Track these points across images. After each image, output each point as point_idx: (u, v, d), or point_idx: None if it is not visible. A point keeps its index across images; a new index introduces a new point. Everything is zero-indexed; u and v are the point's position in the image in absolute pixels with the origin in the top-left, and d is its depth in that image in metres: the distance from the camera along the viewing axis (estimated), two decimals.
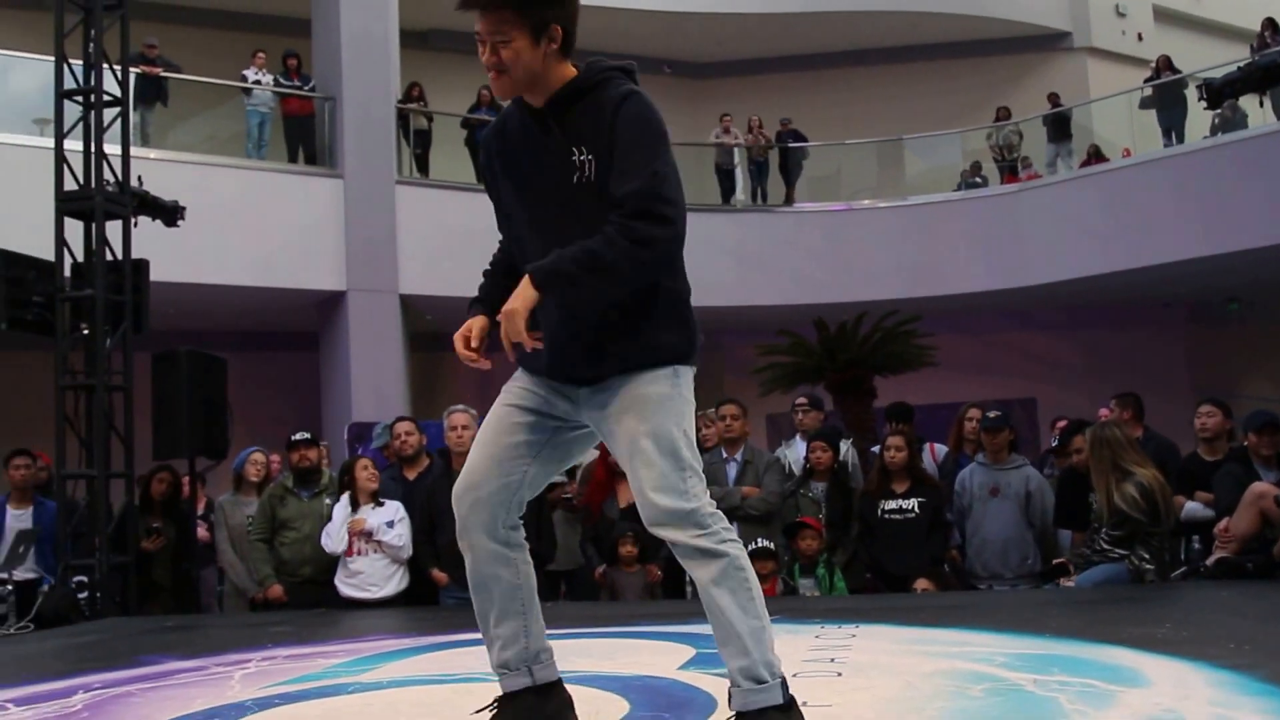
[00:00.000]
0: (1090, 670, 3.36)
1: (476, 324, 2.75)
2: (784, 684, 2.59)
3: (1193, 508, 6.24)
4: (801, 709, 2.63)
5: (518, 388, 2.80)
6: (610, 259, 2.54)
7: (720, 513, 2.66)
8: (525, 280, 2.57)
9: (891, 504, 6.42)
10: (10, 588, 6.43)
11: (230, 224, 11.79)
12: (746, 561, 2.62)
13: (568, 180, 2.66)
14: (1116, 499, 5.75)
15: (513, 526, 2.77)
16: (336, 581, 6.54)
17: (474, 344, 2.73)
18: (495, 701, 2.81)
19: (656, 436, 2.60)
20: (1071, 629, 4.22)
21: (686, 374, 2.72)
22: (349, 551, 6.49)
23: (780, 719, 2.56)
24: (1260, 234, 12.90)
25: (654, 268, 2.62)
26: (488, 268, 2.94)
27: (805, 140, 17.15)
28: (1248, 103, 13.23)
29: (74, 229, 7.73)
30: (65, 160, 7.74)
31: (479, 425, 2.94)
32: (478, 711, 2.83)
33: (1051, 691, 3.05)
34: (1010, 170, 16.49)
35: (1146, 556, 5.78)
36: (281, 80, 13.72)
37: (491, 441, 2.76)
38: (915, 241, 15.91)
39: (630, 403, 2.64)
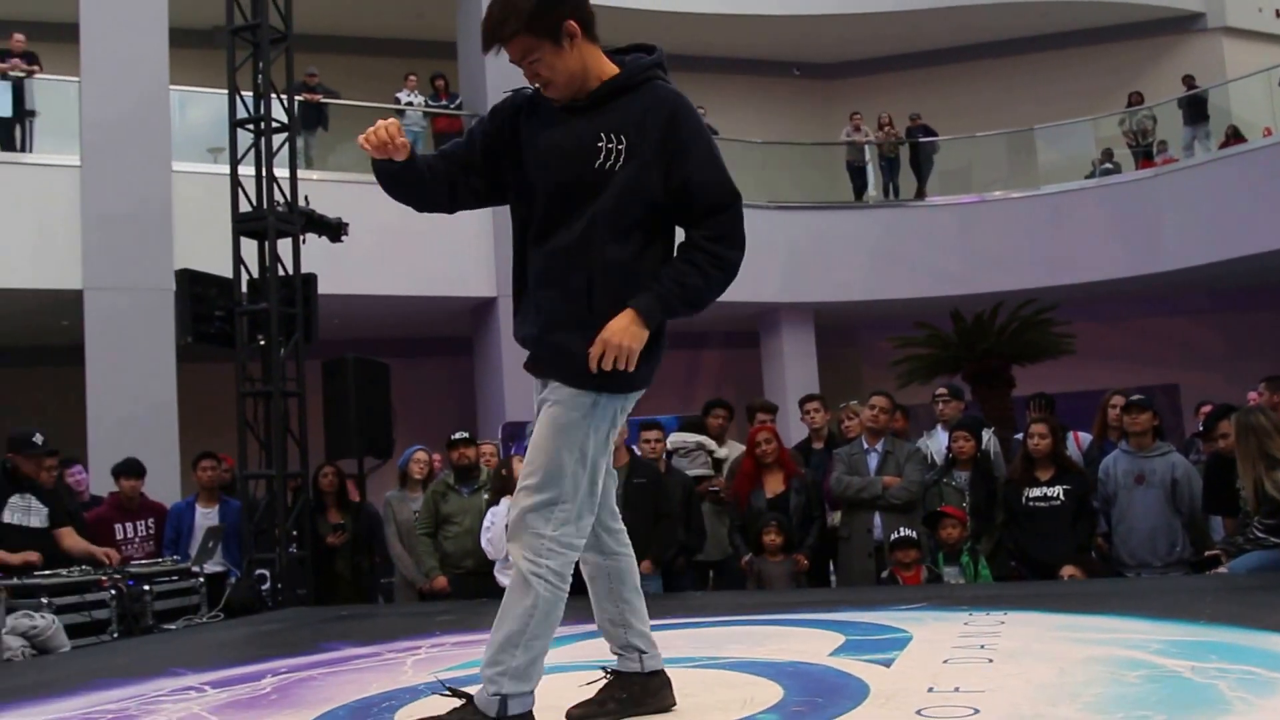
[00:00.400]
0: (1250, 657, 3.21)
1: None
2: (503, 703, 2.65)
3: None
4: None
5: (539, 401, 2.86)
6: (706, 292, 2.71)
7: (564, 553, 2.68)
8: (631, 316, 2.65)
9: (1036, 491, 6.35)
10: (202, 580, 6.77)
11: (389, 238, 12.13)
12: (552, 606, 2.66)
13: (588, 166, 2.69)
14: (1268, 487, 5.52)
15: (610, 515, 2.93)
16: (496, 573, 6.64)
17: (398, 138, 2.81)
18: (607, 675, 2.99)
19: (542, 453, 2.67)
20: (1227, 615, 4.05)
21: (608, 403, 2.72)
22: None
23: None
24: None
25: (727, 286, 2.76)
26: (438, 154, 2.97)
27: (935, 135, 17.05)
28: None
29: (249, 248, 8.17)
30: (239, 184, 8.19)
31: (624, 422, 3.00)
32: (589, 684, 2.98)
33: (1210, 678, 2.94)
34: (1145, 155, 16.10)
35: None
36: (431, 101, 14.22)
37: None
38: (1049, 230, 15.68)
39: (544, 414, 2.73)
